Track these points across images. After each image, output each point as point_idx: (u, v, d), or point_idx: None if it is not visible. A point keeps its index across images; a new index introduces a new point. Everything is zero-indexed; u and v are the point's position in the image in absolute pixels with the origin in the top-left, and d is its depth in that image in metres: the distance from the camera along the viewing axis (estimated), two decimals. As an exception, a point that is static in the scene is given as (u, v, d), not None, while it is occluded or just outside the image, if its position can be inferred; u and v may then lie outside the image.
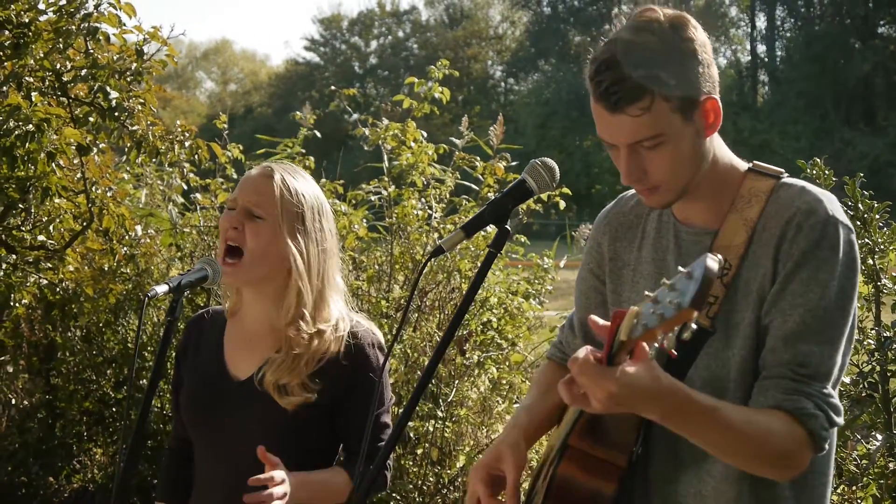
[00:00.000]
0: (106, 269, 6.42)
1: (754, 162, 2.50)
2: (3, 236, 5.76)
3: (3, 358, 7.05)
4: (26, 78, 5.32)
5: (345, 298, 3.19)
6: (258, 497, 2.75)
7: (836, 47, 50.19)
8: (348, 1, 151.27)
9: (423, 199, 6.37)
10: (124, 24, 5.44)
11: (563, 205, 6.53)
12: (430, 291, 6.23)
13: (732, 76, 55.86)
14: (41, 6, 5.37)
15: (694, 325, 1.82)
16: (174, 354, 3.34)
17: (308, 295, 3.03)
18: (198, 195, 6.94)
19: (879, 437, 4.52)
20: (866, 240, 4.54)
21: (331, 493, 2.98)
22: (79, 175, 5.75)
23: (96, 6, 5.35)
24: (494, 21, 68.55)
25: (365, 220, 6.53)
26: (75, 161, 5.70)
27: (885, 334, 4.59)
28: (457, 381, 6.02)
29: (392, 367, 5.70)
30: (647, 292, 1.95)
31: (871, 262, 4.58)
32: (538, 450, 5.71)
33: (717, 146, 2.43)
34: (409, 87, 6.77)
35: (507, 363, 6.29)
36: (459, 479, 5.90)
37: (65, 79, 5.46)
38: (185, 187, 7.47)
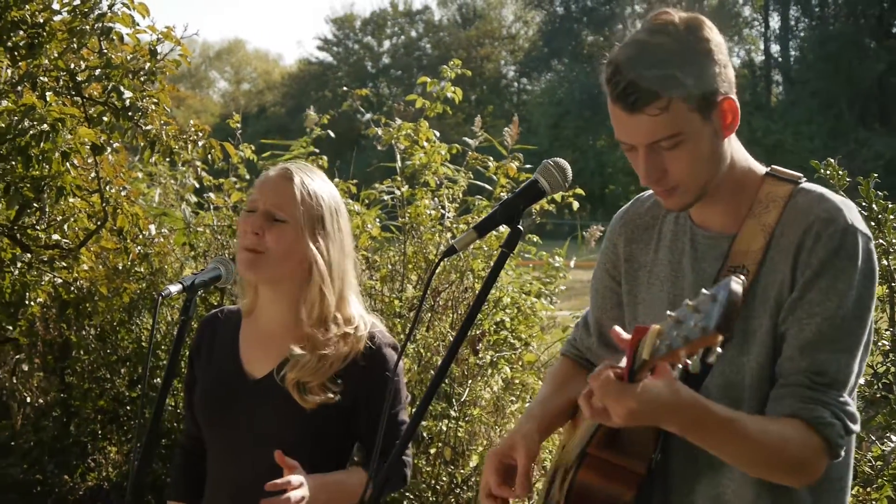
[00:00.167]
0: (120, 268, 6.44)
1: (772, 166, 2.49)
2: (18, 235, 5.79)
3: (18, 356, 7.09)
4: (41, 78, 5.34)
5: (359, 297, 3.20)
6: (276, 502, 2.75)
7: (850, 47, 50.00)
8: (361, 1, 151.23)
9: (435, 199, 6.36)
10: (138, 24, 5.46)
11: (576, 205, 6.52)
12: (443, 291, 6.23)
13: (746, 76, 55.70)
14: (55, 6, 5.39)
15: (719, 350, 1.82)
16: (187, 353, 3.34)
17: (330, 296, 3.04)
18: (211, 194, 6.96)
19: (894, 438, 4.50)
20: (881, 241, 4.52)
21: (349, 494, 2.97)
22: (93, 174, 5.77)
23: (110, 6, 5.37)
24: (507, 21, 68.54)
25: (378, 220, 6.53)
26: (89, 160, 5.71)
27: (899, 335, 4.57)
28: (470, 381, 6.02)
29: (405, 367, 5.70)
30: (669, 312, 1.95)
31: (885, 263, 4.56)
32: (550, 449, 5.70)
33: (736, 149, 2.43)
34: (421, 87, 6.77)
35: (520, 363, 6.28)
36: (472, 479, 5.90)
37: (79, 78, 5.47)
38: (198, 186, 7.49)
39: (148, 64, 5.49)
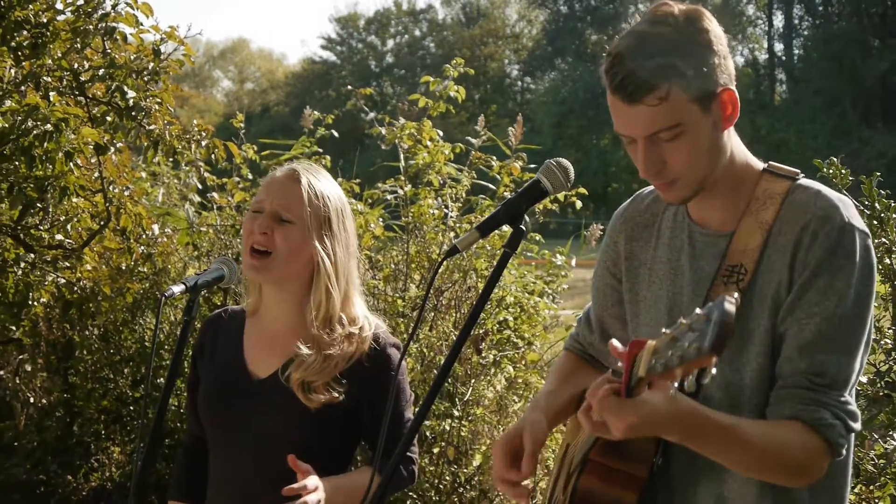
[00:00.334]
0: (123, 267, 6.45)
1: (770, 162, 2.48)
2: (22, 235, 5.79)
3: (21, 356, 7.10)
4: (44, 78, 5.35)
5: (363, 297, 3.20)
6: None
7: (854, 46, 49.97)
8: (365, 0, 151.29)
9: (439, 199, 6.37)
10: (141, 24, 5.47)
11: (579, 204, 6.51)
12: (446, 290, 6.23)
13: (750, 74, 55.65)
14: (59, 6, 5.40)
15: (714, 371, 1.82)
16: (191, 353, 3.35)
17: (336, 296, 3.05)
18: (214, 194, 6.96)
19: (897, 436, 4.50)
20: (883, 239, 4.51)
21: (361, 494, 2.97)
22: (96, 174, 5.78)
23: (114, 6, 5.39)
24: (511, 20, 68.62)
25: (381, 220, 6.52)
26: (93, 160, 5.72)
27: (902, 334, 4.57)
28: (473, 380, 6.02)
29: (408, 367, 5.70)
30: (664, 329, 1.95)
31: (888, 261, 4.56)
32: (553, 448, 5.70)
33: (735, 143, 2.42)
34: (425, 86, 6.77)
35: (523, 362, 6.28)
36: (476, 478, 5.90)
37: (82, 78, 5.49)
38: (201, 187, 7.49)
39: (151, 64, 5.51)
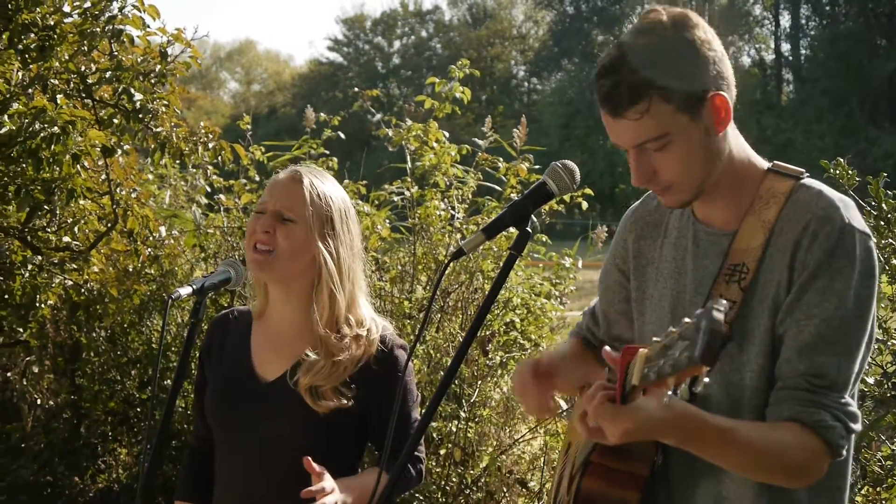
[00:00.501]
0: (130, 269, 6.46)
1: (774, 162, 2.48)
2: (29, 237, 5.80)
3: (28, 358, 7.11)
4: (52, 80, 5.36)
5: (369, 298, 3.21)
6: None
7: (861, 46, 49.90)
8: (371, 1, 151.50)
9: (445, 200, 6.37)
10: (148, 27, 5.48)
11: (585, 205, 6.52)
12: (453, 292, 6.23)
13: (756, 75, 55.61)
14: (66, 9, 5.40)
15: (706, 380, 1.83)
16: (198, 355, 3.35)
17: (341, 297, 3.05)
18: (221, 196, 6.97)
19: (904, 437, 4.50)
20: (890, 240, 4.50)
21: None
22: (103, 177, 5.79)
23: (121, 8, 5.39)
24: (518, 20, 68.55)
25: (388, 221, 6.53)
26: (100, 163, 5.73)
27: (909, 335, 4.56)
28: (479, 382, 6.02)
29: (415, 368, 5.70)
30: (655, 337, 1.97)
31: (895, 262, 4.55)
32: (558, 449, 5.70)
33: (736, 143, 2.42)
34: (431, 87, 6.77)
35: (529, 363, 6.27)
36: (482, 480, 5.91)
37: (89, 81, 5.49)
38: (209, 189, 7.50)
39: (158, 66, 5.51)
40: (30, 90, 5.33)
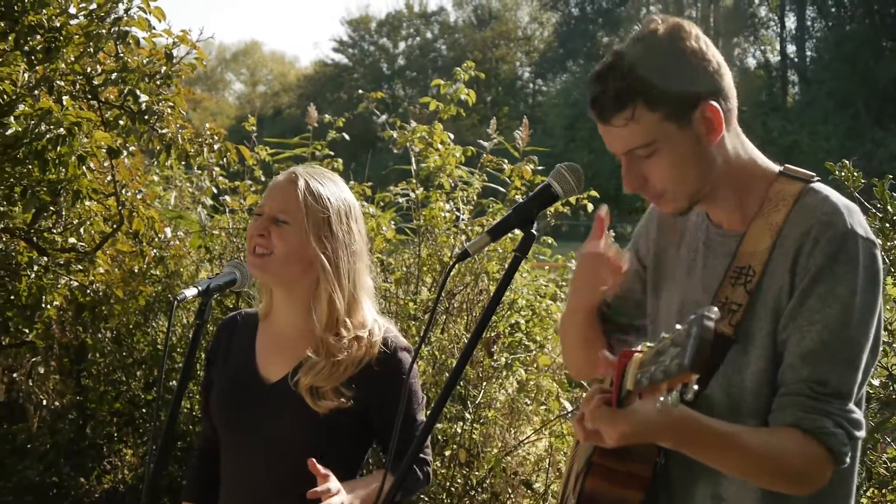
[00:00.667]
0: (136, 271, 6.47)
1: (786, 165, 2.47)
2: (35, 239, 5.81)
3: (34, 359, 7.12)
4: (58, 82, 5.37)
5: (373, 300, 3.20)
6: None
7: (866, 47, 49.87)
8: (376, 2, 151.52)
9: (450, 202, 6.37)
10: (154, 28, 5.49)
11: (591, 207, 6.51)
12: (458, 293, 6.23)
13: (762, 76, 55.58)
14: (72, 10, 5.41)
15: (696, 387, 1.83)
16: (204, 356, 3.35)
17: (340, 299, 3.05)
18: (226, 197, 6.98)
19: (909, 439, 4.49)
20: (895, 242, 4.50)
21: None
22: (109, 178, 5.80)
23: (126, 10, 5.39)
24: (523, 22, 68.59)
25: (393, 223, 6.53)
26: (105, 164, 5.74)
27: (915, 337, 4.55)
28: (485, 383, 6.02)
29: (420, 369, 5.70)
30: (647, 343, 1.99)
31: (901, 264, 4.54)
32: (564, 451, 5.70)
33: (738, 147, 2.41)
34: (436, 89, 6.78)
35: (534, 365, 6.28)
36: (487, 481, 5.91)
37: (95, 82, 5.50)
38: (215, 191, 7.51)
39: (164, 67, 5.52)
40: (36, 91, 5.33)
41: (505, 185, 6.53)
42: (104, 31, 5.35)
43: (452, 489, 5.85)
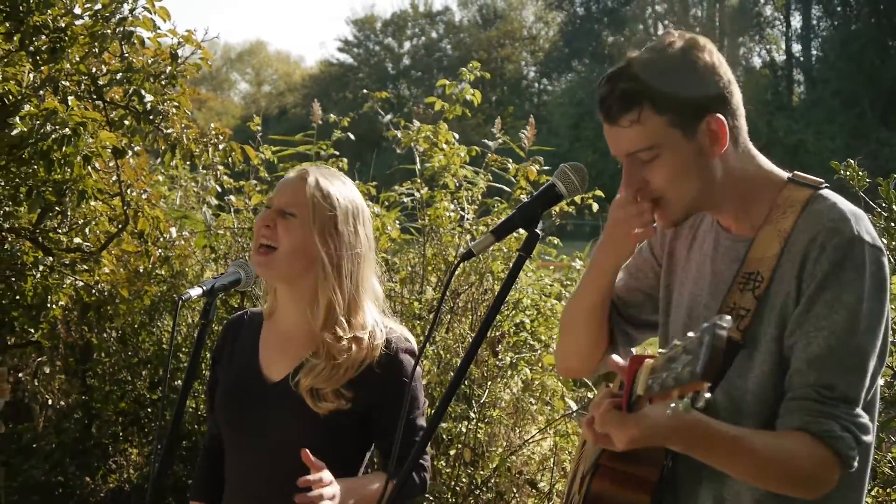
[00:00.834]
0: (141, 270, 6.47)
1: (795, 172, 2.48)
2: (40, 239, 5.82)
3: (40, 359, 7.13)
4: (63, 82, 5.38)
5: (380, 304, 3.20)
6: (308, 498, 2.76)
7: (872, 47, 49.80)
8: (382, 2, 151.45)
9: (455, 201, 6.37)
10: (159, 28, 5.49)
11: (596, 207, 6.51)
12: (463, 293, 6.24)
13: (767, 76, 55.51)
14: (77, 11, 5.42)
15: (707, 395, 1.83)
16: (210, 356, 3.36)
17: (340, 299, 3.04)
18: (231, 197, 6.98)
19: (914, 439, 4.48)
20: (901, 242, 4.48)
21: (373, 499, 2.97)
22: (114, 178, 5.81)
23: (131, 10, 5.40)
24: (528, 21, 68.52)
25: (398, 222, 6.53)
26: (111, 164, 5.75)
27: (920, 336, 4.54)
28: (489, 383, 6.03)
29: (425, 369, 5.71)
30: (659, 349, 2.01)
31: (906, 264, 4.52)
32: (570, 451, 5.70)
33: (746, 164, 2.42)
34: (441, 89, 6.78)
35: (539, 364, 6.28)
36: (492, 480, 5.91)
37: (100, 82, 5.51)
38: (220, 190, 7.52)
39: (169, 67, 5.53)
40: (41, 92, 5.34)
41: (510, 185, 6.53)
42: (109, 31, 5.36)
43: (457, 488, 5.85)
